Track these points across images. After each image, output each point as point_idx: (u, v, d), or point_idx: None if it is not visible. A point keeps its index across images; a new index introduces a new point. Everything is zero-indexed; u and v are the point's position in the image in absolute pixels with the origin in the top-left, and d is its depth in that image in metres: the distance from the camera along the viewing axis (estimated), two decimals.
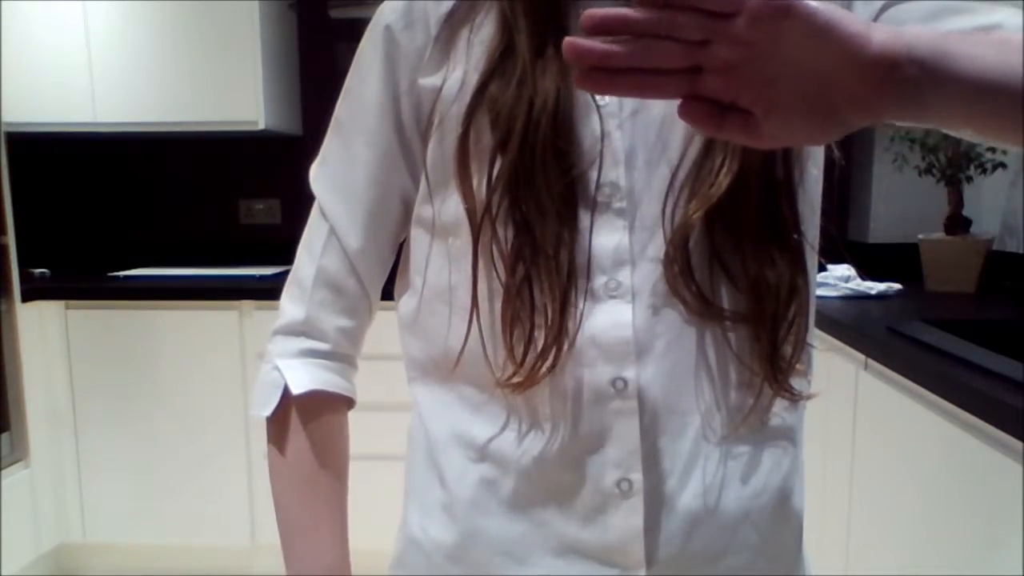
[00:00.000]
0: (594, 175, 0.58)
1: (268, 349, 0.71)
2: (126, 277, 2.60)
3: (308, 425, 0.70)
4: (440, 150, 0.62)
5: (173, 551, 2.55)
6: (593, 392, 0.60)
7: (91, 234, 2.96)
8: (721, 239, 0.58)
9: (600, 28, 0.41)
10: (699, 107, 0.44)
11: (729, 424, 0.62)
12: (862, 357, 1.56)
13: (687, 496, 0.61)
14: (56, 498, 2.47)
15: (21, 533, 2.34)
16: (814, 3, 0.41)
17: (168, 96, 2.51)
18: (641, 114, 0.59)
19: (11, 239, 2.32)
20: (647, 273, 0.59)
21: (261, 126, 2.51)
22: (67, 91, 2.52)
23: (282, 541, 0.73)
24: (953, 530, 1.19)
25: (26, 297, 2.36)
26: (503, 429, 0.63)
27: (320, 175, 0.69)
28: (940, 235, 2.11)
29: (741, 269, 0.58)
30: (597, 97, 0.58)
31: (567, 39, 0.42)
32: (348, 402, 0.74)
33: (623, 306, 0.59)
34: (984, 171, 2.05)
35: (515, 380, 0.59)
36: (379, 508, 2.48)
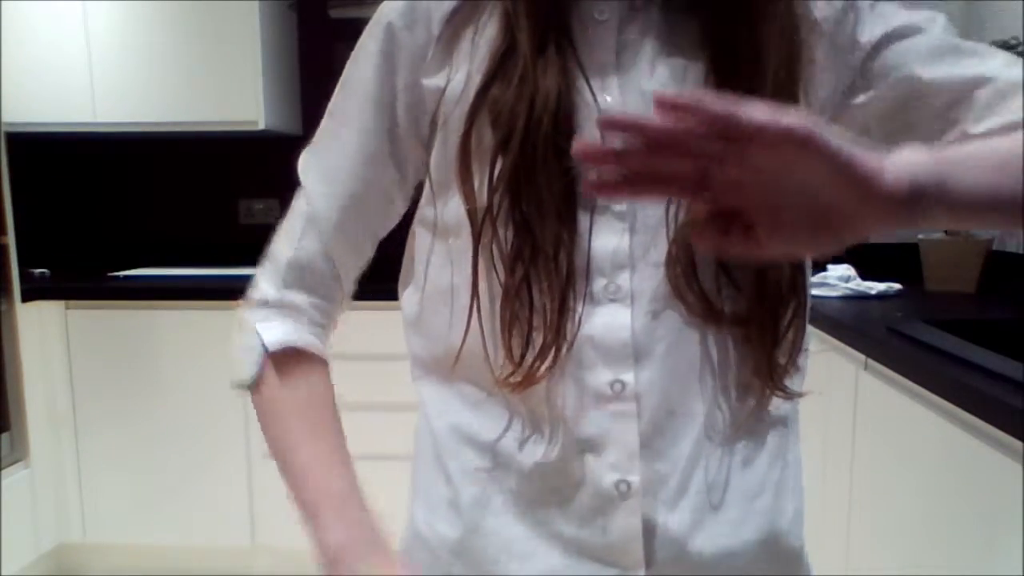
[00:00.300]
0: (594, 176, 0.59)
1: (242, 318, 0.72)
2: (126, 277, 2.60)
3: (291, 378, 0.71)
4: (444, 151, 0.62)
5: (173, 551, 2.55)
6: (592, 394, 0.60)
7: (91, 234, 2.96)
8: None
9: (614, 129, 0.42)
10: (703, 237, 0.48)
11: (729, 425, 0.62)
12: (862, 357, 1.56)
13: (686, 498, 0.61)
14: (56, 498, 2.47)
15: (21, 533, 2.34)
16: (833, 139, 0.42)
17: (168, 96, 2.51)
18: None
19: (11, 239, 2.32)
20: (647, 277, 0.60)
21: (261, 126, 2.51)
22: (67, 91, 2.51)
23: (291, 485, 0.72)
24: (953, 530, 1.19)
25: (26, 297, 2.36)
26: (505, 429, 0.63)
27: (307, 160, 0.70)
28: (940, 235, 2.11)
29: (744, 269, 0.59)
30: (598, 97, 0.59)
31: (578, 144, 0.43)
32: (324, 363, 0.75)
33: (622, 309, 0.60)
34: None
35: (513, 380, 0.59)
36: (382, 507, 2.48)
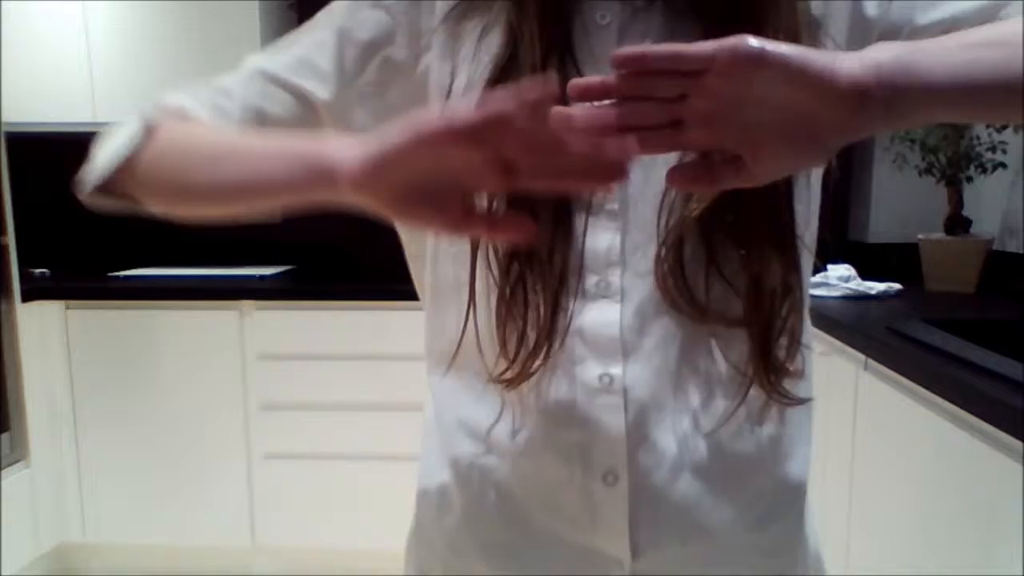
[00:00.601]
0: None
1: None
2: (126, 277, 2.60)
3: (191, 123, 0.67)
4: None
5: (173, 551, 2.55)
6: (581, 387, 0.61)
7: (91, 234, 2.96)
8: (718, 241, 0.59)
9: (584, 94, 0.45)
10: (686, 171, 0.48)
11: (719, 422, 0.62)
12: (862, 357, 1.56)
13: (674, 492, 0.62)
14: (56, 498, 2.47)
15: (21, 533, 2.34)
16: (783, 48, 0.44)
17: None
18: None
19: (11, 239, 2.32)
20: (638, 274, 0.61)
21: None
22: (67, 91, 2.52)
23: (241, 166, 0.60)
24: (953, 530, 1.19)
25: (26, 297, 2.36)
26: (499, 419, 0.64)
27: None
28: (940, 235, 2.11)
29: (737, 271, 0.59)
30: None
31: (555, 109, 0.45)
32: None
33: (612, 305, 0.61)
34: (984, 171, 2.05)
35: (507, 375, 0.60)
36: (381, 507, 2.48)
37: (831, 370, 1.73)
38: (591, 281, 0.61)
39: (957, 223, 2.09)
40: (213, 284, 2.45)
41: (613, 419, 0.61)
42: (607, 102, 0.46)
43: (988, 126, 2.01)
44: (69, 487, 2.49)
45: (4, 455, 2.26)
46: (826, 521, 1.75)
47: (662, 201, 0.59)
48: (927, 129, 2.08)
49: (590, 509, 0.62)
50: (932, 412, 1.26)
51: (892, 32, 0.62)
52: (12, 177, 2.31)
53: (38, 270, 2.69)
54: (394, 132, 0.48)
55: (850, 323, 1.64)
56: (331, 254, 2.84)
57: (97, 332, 2.44)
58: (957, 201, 2.09)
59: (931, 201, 2.29)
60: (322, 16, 0.68)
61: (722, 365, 0.61)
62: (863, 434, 1.56)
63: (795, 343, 0.61)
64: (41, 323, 2.42)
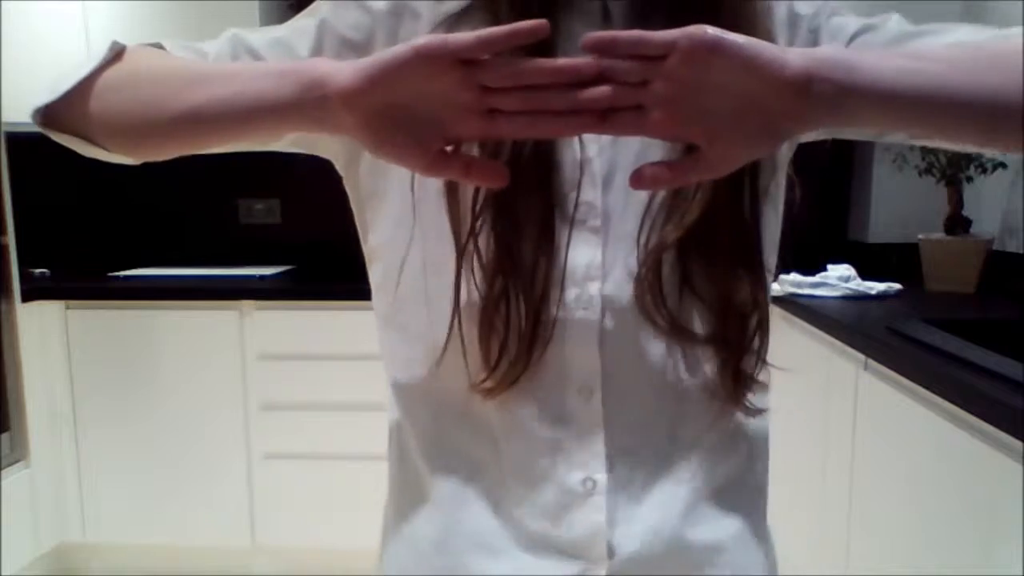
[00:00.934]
0: (573, 196, 0.61)
1: None
2: (126, 277, 2.60)
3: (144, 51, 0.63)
4: None
5: (173, 551, 2.55)
6: (561, 396, 0.63)
7: (91, 234, 2.96)
8: (693, 260, 0.61)
9: (558, 78, 0.48)
10: (647, 170, 0.51)
11: (695, 431, 0.65)
12: (862, 357, 1.56)
13: (651, 497, 0.64)
14: (56, 498, 2.47)
15: (21, 533, 2.34)
16: (738, 38, 0.47)
17: None
18: (621, 142, 0.62)
19: (11, 239, 2.32)
20: (617, 287, 0.62)
21: None
22: None
23: (223, 87, 0.56)
24: (953, 530, 1.19)
25: (26, 297, 2.36)
26: (478, 429, 0.66)
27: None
28: (940, 235, 2.11)
29: (710, 287, 0.62)
30: None
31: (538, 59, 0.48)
32: None
33: (592, 317, 0.62)
34: (984, 171, 2.05)
35: (487, 385, 0.62)
36: (381, 508, 2.48)
37: (831, 370, 1.73)
38: (571, 294, 0.62)
39: (957, 223, 2.09)
40: (213, 284, 2.45)
41: (593, 427, 0.63)
42: None
43: None
44: (69, 487, 2.49)
45: (4, 455, 2.26)
46: (826, 521, 1.75)
47: (642, 221, 0.61)
48: None
49: (568, 514, 0.64)
50: (932, 412, 1.26)
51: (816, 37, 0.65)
52: (12, 177, 2.31)
53: (38, 270, 2.69)
54: (392, 49, 0.49)
55: (850, 323, 1.64)
56: (331, 254, 2.84)
57: (97, 332, 2.45)
58: (957, 201, 2.09)
59: (931, 201, 2.29)
60: (307, 10, 0.68)
61: (695, 377, 0.64)
62: (863, 434, 1.57)
63: (762, 358, 0.64)
64: (41, 323, 2.42)
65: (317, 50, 0.65)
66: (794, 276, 2.03)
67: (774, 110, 0.49)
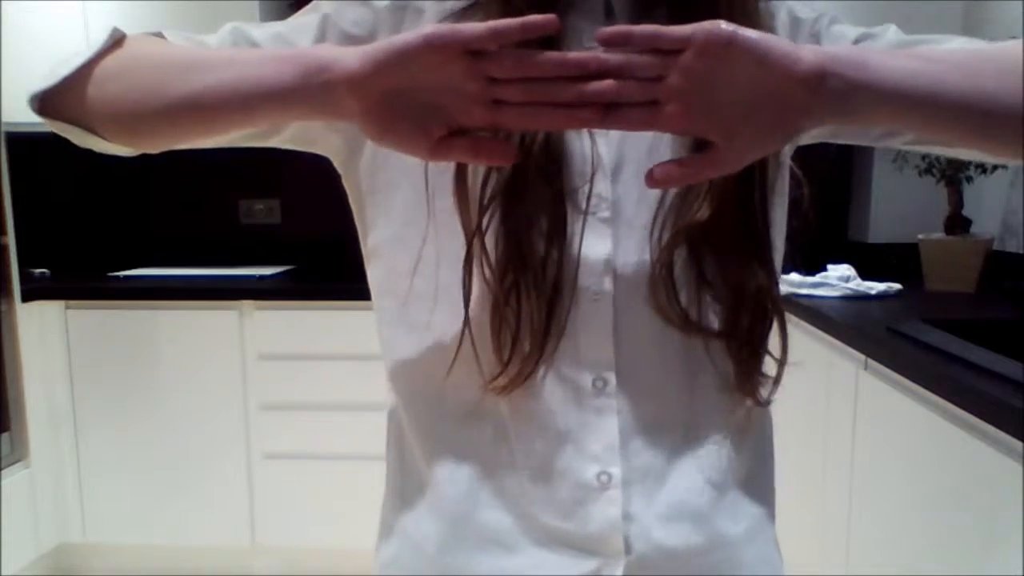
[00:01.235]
0: (583, 188, 0.61)
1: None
2: (126, 277, 2.60)
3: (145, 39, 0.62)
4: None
5: (173, 551, 2.55)
6: (575, 390, 0.63)
7: (91, 234, 2.96)
8: (706, 253, 0.61)
9: (573, 71, 0.48)
10: (662, 168, 0.51)
11: (708, 424, 0.65)
12: (862, 357, 1.56)
13: (666, 490, 0.64)
14: (56, 498, 2.47)
15: (21, 533, 2.34)
16: (752, 32, 0.48)
17: None
18: (631, 135, 0.62)
19: (11, 239, 2.32)
20: (630, 279, 0.62)
21: None
22: None
23: (223, 74, 0.55)
24: (953, 530, 1.19)
25: (26, 297, 2.36)
26: (491, 424, 0.65)
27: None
28: (940, 235, 2.11)
29: (723, 280, 0.62)
30: None
31: (547, 52, 0.48)
32: None
33: (605, 309, 0.62)
34: (984, 171, 2.05)
35: (500, 383, 0.61)
36: (372, 508, 2.48)
37: (831, 370, 1.73)
38: (584, 286, 0.62)
39: (957, 223, 2.09)
40: (213, 284, 2.45)
41: (607, 421, 0.63)
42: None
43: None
44: (69, 487, 2.49)
45: (4, 455, 2.26)
46: (826, 521, 1.75)
47: (655, 215, 0.61)
48: None
49: (583, 510, 0.64)
50: (932, 412, 1.26)
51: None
52: (12, 177, 2.31)
53: (38, 270, 2.69)
54: (400, 36, 0.49)
55: (850, 323, 1.63)
56: (331, 254, 2.84)
57: (97, 332, 2.45)
58: (957, 201, 2.09)
59: (931, 201, 2.29)
60: (308, 7, 0.68)
61: (709, 370, 0.64)
62: (863, 434, 1.57)
63: (784, 348, 0.64)
64: (41, 323, 2.42)
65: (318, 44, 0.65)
66: (794, 276, 2.03)
67: (786, 105, 0.49)
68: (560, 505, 0.64)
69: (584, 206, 0.61)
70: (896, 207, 2.46)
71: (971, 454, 1.14)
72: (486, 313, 0.61)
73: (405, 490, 0.71)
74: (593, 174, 0.61)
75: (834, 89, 0.49)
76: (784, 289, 2.02)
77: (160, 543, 2.52)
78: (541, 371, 0.62)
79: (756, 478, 0.69)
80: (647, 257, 0.62)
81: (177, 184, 2.92)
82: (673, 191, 0.61)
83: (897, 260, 2.31)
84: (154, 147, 0.62)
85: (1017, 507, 1.02)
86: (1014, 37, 0.63)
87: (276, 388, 2.41)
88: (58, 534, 2.49)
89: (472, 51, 0.48)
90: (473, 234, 0.60)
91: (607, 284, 0.62)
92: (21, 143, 2.45)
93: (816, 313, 1.79)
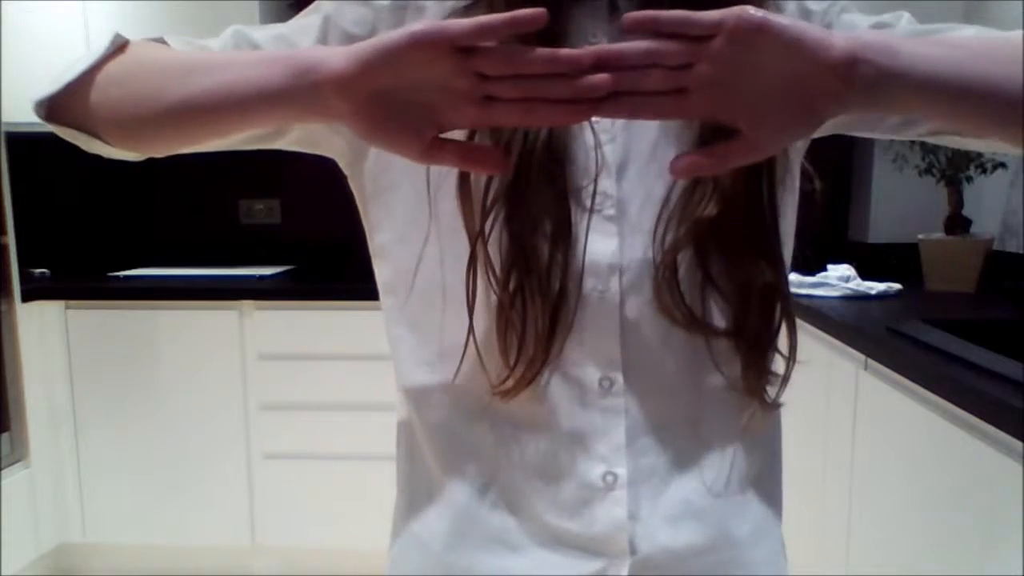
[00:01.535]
0: (587, 186, 0.61)
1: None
2: (126, 277, 2.60)
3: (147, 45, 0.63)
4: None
5: (173, 551, 2.55)
6: (581, 390, 0.63)
7: (91, 234, 2.96)
8: (711, 252, 0.61)
9: (597, 64, 0.47)
10: (689, 157, 0.50)
11: (714, 425, 0.65)
12: (862, 357, 1.56)
13: (672, 491, 0.64)
14: (56, 498, 2.47)
15: (21, 533, 2.34)
16: (782, 18, 0.47)
17: None
18: (636, 132, 0.62)
19: (11, 239, 2.32)
20: (636, 278, 0.61)
21: None
22: None
23: (218, 77, 0.55)
24: (953, 530, 1.19)
25: (26, 297, 2.36)
26: (497, 426, 0.65)
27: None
28: (940, 235, 2.11)
29: (729, 280, 0.61)
30: (590, 121, 0.60)
31: (540, 49, 0.47)
32: None
33: (612, 309, 0.62)
34: (984, 171, 2.05)
35: (507, 385, 0.61)
36: (381, 507, 2.48)
37: (831, 370, 1.73)
38: (589, 286, 0.61)
39: (957, 223, 2.09)
40: (213, 284, 2.45)
41: (614, 421, 0.63)
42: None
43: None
44: (69, 487, 2.49)
45: (4, 455, 2.26)
46: (826, 521, 1.75)
47: (659, 213, 0.60)
48: None
49: (589, 510, 0.63)
50: (932, 412, 1.26)
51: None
52: (12, 177, 2.31)
53: (38, 270, 2.69)
54: (387, 34, 0.48)
55: (850, 323, 1.63)
56: (331, 254, 2.84)
57: (97, 332, 2.45)
58: (957, 201, 2.09)
59: (931, 201, 2.29)
60: (310, 8, 0.68)
61: (716, 370, 0.63)
62: (863, 434, 1.56)
63: (793, 348, 0.64)
64: (41, 323, 2.42)
65: (320, 45, 0.65)
66: (794, 276, 2.03)
67: (816, 91, 0.49)
68: (565, 505, 0.64)
69: (589, 204, 0.60)
70: (896, 207, 2.46)
71: (971, 454, 1.14)
72: (491, 317, 0.61)
73: (414, 490, 0.71)
74: (598, 172, 0.60)
75: (864, 76, 0.48)
76: None
77: (160, 543, 2.52)
78: (547, 372, 0.61)
79: (763, 479, 0.69)
80: (653, 255, 0.61)
81: (177, 184, 2.92)
82: (679, 188, 0.60)
83: (897, 260, 2.31)
84: (157, 151, 0.63)
85: (1017, 507, 1.02)
86: None
87: (276, 388, 2.41)
88: (58, 534, 2.49)
89: (462, 48, 0.47)
90: (476, 238, 0.60)
91: (613, 283, 0.61)
92: (21, 143, 2.45)
93: (816, 313, 1.79)
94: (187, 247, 2.93)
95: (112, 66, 0.60)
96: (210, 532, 2.48)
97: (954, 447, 1.19)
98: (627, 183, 0.61)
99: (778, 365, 0.65)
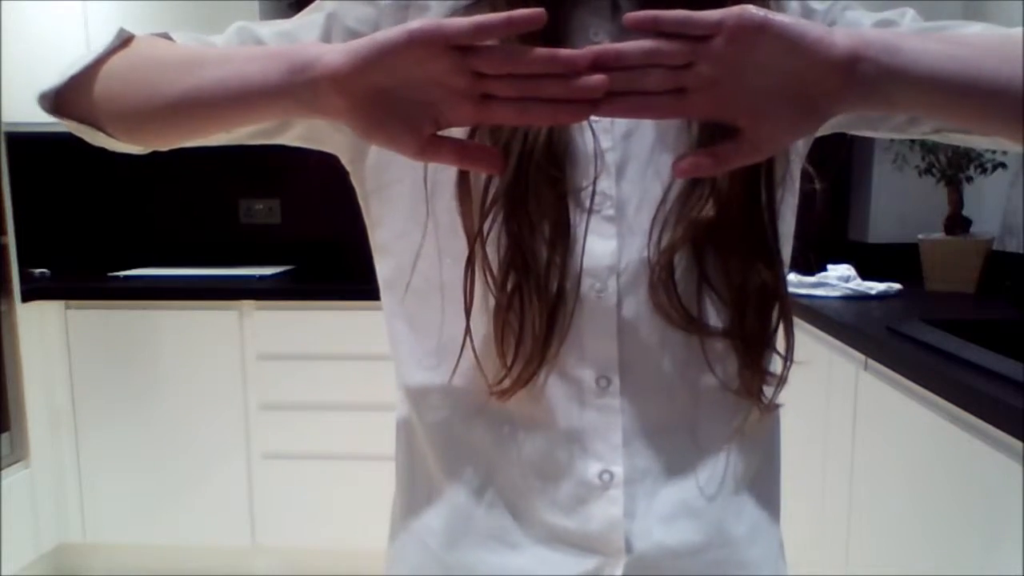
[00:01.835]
0: (586, 187, 0.61)
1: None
2: (126, 277, 2.60)
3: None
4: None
5: (173, 551, 2.55)
6: (579, 389, 0.63)
7: (91, 234, 2.96)
8: (708, 253, 0.61)
9: (596, 64, 0.47)
10: (690, 158, 0.50)
11: (711, 424, 0.65)
12: (862, 357, 1.56)
13: (668, 490, 0.64)
14: (56, 498, 2.47)
15: (21, 533, 2.34)
16: (784, 17, 0.47)
17: None
18: (635, 133, 0.62)
19: (11, 239, 2.32)
20: (633, 278, 0.62)
21: None
22: None
23: (217, 69, 0.56)
24: (953, 530, 1.19)
25: (26, 297, 2.36)
26: (495, 424, 0.65)
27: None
28: (940, 235, 2.11)
29: (726, 281, 0.61)
30: (590, 122, 0.60)
31: (539, 49, 0.46)
32: None
33: (609, 309, 0.62)
34: (984, 171, 2.05)
35: (504, 385, 0.61)
36: (380, 507, 2.48)
37: (831, 370, 1.73)
38: (587, 286, 0.61)
39: (957, 223, 2.09)
40: (213, 284, 2.45)
41: (610, 420, 0.63)
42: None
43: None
44: (69, 487, 2.49)
45: (4, 455, 2.26)
46: (826, 521, 1.75)
47: (655, 214, 0.61)
48: None
49: (585, 507, 0.64)
50: (932, 412, 1.26)
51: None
52: (12, 177, 2.31)
53: (38, 270, 2.69)
54: (385, 31, 0.48)
55: (850, 323, 1.63)
56: (331, 254, 2.84)
57: (97, 332, 2.45)
58: (957, 201, 2.09)
59: (931, 201, 2.28)
60: (313, 6, 0.68)
61: (714, 370, 0.63)
62: (863, 434, 1.56)
63: (783, 351, 0.64)
64: (41, 323, 2.42)
65: (324, 42, 0.65)
66: (794, 276, 2.03)
67: (818, 90, 0.49)
68: (562, 504, 0.64)
69: (588, 205, 0.61)
70: (896, 207, 2.46)
71: (971, 454, 1.14)
72: (488, 317, 0.61)
73: (413, 488, 0.71)
74: (597, 172, 0.60)
75: (867, 74, 0.48)
76: None
77: (160, 543, 2.52)
78: (544, 372, 0.61)
79: (761, 479, 0.69)
80: (649, 256, 0.61)
81: (177, 184, 2.92)
82: (676, 188, 0.60)
83: (897, 260, 2.31)
84: (160, 144, 0.63)
85: (1017, 507, 1.02)
86: None
87: (276, 388, 2.41)
88: (58, 534, 2.49)
89: (459, 47, 0.47)
90: (475, 237, 0.60)
91: (611, 283, 0.62)
92: (21, 143, 2.45)
93: (816, 313, 1.79)
94: (187, 247, 2.93)
95: (116, 60, 0.61)
96: (210, 532, 2.48)
97: (954, 447, 1.19)
98: (626, 183, 0.62)
99: (776, 366, 0.65)
